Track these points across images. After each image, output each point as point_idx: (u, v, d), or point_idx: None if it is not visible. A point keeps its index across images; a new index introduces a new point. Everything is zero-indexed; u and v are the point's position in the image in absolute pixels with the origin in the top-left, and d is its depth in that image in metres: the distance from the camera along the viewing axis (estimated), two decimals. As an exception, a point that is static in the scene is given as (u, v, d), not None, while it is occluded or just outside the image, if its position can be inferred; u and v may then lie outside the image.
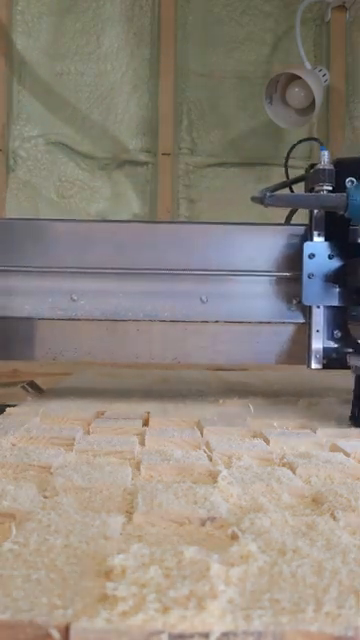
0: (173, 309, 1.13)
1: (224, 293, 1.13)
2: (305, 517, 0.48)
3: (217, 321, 1.14)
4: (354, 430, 0.89)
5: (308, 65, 2.22)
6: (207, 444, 0.77)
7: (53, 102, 2.43)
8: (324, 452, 0.75)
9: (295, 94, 2.16)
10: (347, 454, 0.73)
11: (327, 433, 0.87)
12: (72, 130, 2.43)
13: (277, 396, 1.25)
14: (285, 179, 1.22)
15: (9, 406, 1.03)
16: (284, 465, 0.68)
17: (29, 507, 0.51)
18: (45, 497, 0.55)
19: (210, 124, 2.47)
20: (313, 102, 2.13)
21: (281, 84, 2.20)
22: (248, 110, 2.44)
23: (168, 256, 1.14)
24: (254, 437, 0.82)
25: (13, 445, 0.75)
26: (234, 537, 0.45)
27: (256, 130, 2.42)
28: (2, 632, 0.31)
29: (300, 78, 2.12)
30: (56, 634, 0.31)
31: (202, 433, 0.83)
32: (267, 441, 0.79)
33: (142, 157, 2.45)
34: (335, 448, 0.77)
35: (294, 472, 0.64)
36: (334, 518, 0.49)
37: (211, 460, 0.69)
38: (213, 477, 0.61)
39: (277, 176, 2.33)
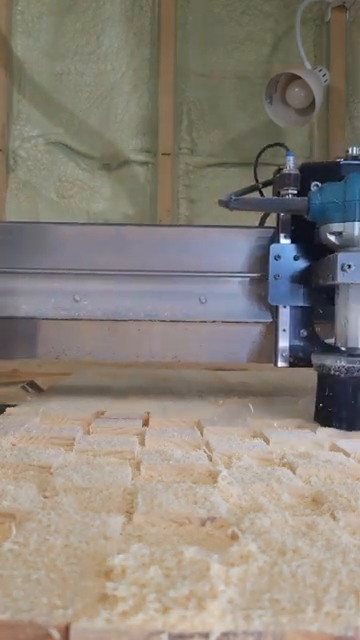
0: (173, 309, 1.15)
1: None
2: (305, 517, 0.48)
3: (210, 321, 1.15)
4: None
5: (308, 65, 2.22)
6: (207, 444, 0.77)
7: (53, 102, 2.43)
8: (324, 452, 0.75)
9: (295, 94, 2.17)
10: (347, 454, 0.73)
11: (327, 433, 0.87)
12: (72, 130, 2.43)
13: (277, 396, 1.25)
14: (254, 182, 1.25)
15: (9, 406, 1.03)
16: (284, 465, 0.68)
17: (29, 507, 0.51)
18: (45, 497, 0.55)
19: (210, 124, 2.47)
20: (313, 102, 2.13)
21: (281, 84, 2.20)
22: (248, 110, 2.44)
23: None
24: (254, 437, 0.82)
25: (13, 445, 0.75)
26: (234, 537, 0.45)
27: (256, 130, 2.42)
28: (2, 632, 0.31)
29: (300, 78, 2.12)
30: (56, 634, 0.31)
31: (202, 433, 0.83)
32: (267, 441, 0.79)
33: (142, 157, 2.45)
34: (335, 448, 0.77)
35: (294, 472, 0.64)
36: (334, 518, 0.49)
37: (211, 460, 0.69)
38: (213, 477, 0.61)
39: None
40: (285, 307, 1.10)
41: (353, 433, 0.87)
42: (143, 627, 0.31)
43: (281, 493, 0.57)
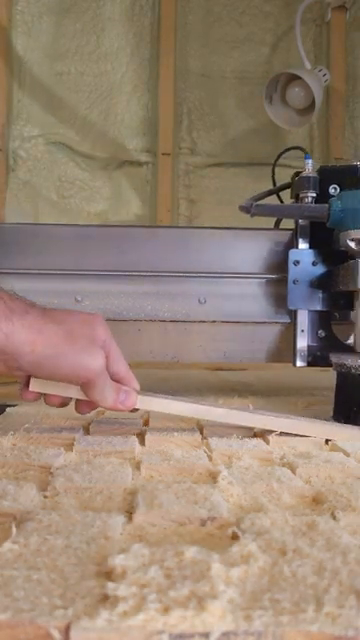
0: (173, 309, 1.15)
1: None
2: (305, 517, 0.48)
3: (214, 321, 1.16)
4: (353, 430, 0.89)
5: (308, 65, 2.22)
6: (207, 444, 0.77)
7: (53, 102, 2.43)
8: (324, 452, 0.75)
9: (295, 94, 2.17)
10: (347, 454, 0.73)
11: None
12: (72, 130, 2.43)
13: (277, 396, 1.25)
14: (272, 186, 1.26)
15: (9, 406, 1.03)
16: (284, 465, 0.68)
17: (29, 507, 0.51)
18: (45, 497, 0.55)
19: (210, 124, 2.47)
20: (313, 102, 2.13)
21: (281, 84, 2.20)
22: (248, 110, 2.45)
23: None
24: (254, 437, 0.82)
25: (13, 445, 0.75)
26: (234, 537, 0.45)
27: (256, 130, 2.42)
28: (3, 632, 0.31)
29: (300, 78, 2.12)
30: (57, 634, 0.31)
31: (202, 433, 0.83)
32: (267, 441, 0.79)
33: (142, 157, 2.45)
34: (335, 448, 0.77)
35: (294, 472, 0.64)
36: (334, 518, 0.49)
37: (211, 460, 0.69)
38: (213, 477, 0.61)
39: (277, 176, 2.32)
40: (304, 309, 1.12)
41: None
42: (143, 627, 0.31)
43: (281, 493, 0.57)
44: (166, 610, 0.32)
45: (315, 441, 0.80)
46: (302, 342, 1.11)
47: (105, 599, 0.33)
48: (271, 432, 0.80)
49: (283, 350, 1.16)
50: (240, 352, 1.17)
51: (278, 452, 0.74)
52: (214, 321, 1.16)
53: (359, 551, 0.41)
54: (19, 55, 2.41)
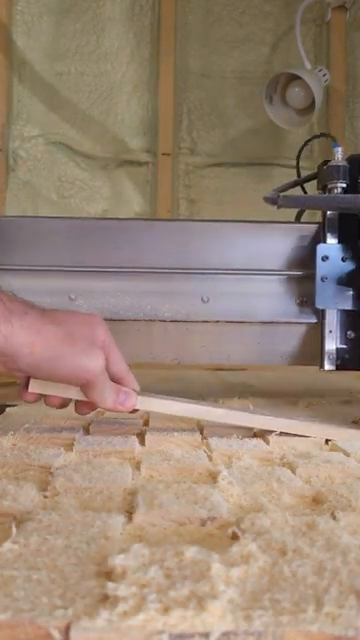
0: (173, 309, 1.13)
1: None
2: (305, 517, 0.48)
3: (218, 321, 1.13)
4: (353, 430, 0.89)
5: (308, 65, 2.22)
6: (207, 444, 0.77)
7: (53, 102, 2.43)
8: (324, 452, 0.75)
9: (295, 94, 2.17)
10: (347, 454, 0.73)
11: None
12: (72, 130, 2.43)
13: (277, 396, 1.25)
14: (295, 178, 1.20)
15: (9, 406, 1.03)
16: (284, 465, 0.68)
17: (29, 507, 0.51)
18: (45, 497, 0.55)
19: (210, 124, 2.47)
20: (313, 102, 2.13)
21: (281, 84, 2.20)
22: (248, 110, 2.44)
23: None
24: (254, 437, 0.82)
25: (13, 445, 0.74)
26: (234, 537, 0.45)
27: (256, 130, 2.42)
28: (3, 632, 0.31)
29: (300, 78, 2.12)
30: (57, 634, 0.31)
31: (202, 433, 0.83)
32: (267, 441, 0.79)
33: (142, 157, 2.45)
34: (335, 448, 0.77)
35: (294, 472, 0.64)
36: (334, 518, 0.49)
37: (211, 460, 0.69)
38: (213, 477, 0.61)
39: (278, 176, 2.33)
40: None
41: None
42: (143, 627, 0.31)
43: (281, 493, 0.57)
44: (166, 610, 0.32)
45: (315, 441, 0.80)
46: (330, 344, 1.05)
47: (105, 599, 0.33)
48: (271, 432, 0.80)
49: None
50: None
51: (278, 452, 0.74)
52: (217, 321, 1.13)
53: (359, 551, 0.41)
54: (19, 55, 2.42)
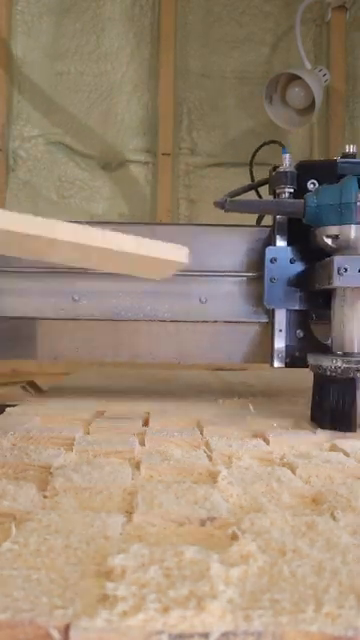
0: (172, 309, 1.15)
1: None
2: (305, 517, 0.48)
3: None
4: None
5: (308, 65, 2.22)
6: (207, 444, 0.77)
7: (53, 102, 2.43)
8: (324, 452, 0.75)
9: (295, 94, 2.17)
10: (347, 454, 0.73)
11: (327, 433, 0.87)
12: (72, 130, 2.43)
13: (277, 396, 1.25)
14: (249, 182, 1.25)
15: (9, 406, 1.03)
16: (284, 465, 0.68)
17: (29, 507, 0.51)
18: (45, 497, 0.55)
19: (210, 124, 2.47)
20: (313, 102, 2.13)
21: (281, 84, 2.20)
22: (248, 110, 2.44)
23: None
24: (254, 437, 0.82)
25: (13, 445, 0.75)
26: (234, 537, 0.45)
27: (256, 130, 2.42)
28: (2, 632, 0.31)
29: (300, 78, 2.12)
30: (56, 634, 0.31)
31: (202, 433, 0.83)
32: (267, 441, 0.79)
33: (142, 157, 2.45)
34: (335, 448, 0.77)
35: (294, 472, 0.64)
36: (334, 518, 0.49)
37: (211, 460, 0.69)
38: (213, 477, 0.61)
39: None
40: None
41: (350, 434, 0.87)
42: (143, 627, 0.31)
43: (281, 493, 0.57)
44: (166, 610, 0.32)
45: (315, 441, 0.80)
46: (280, 342, 1.09)
47: (105, 599, 0.33)
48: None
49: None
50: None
51: (278, 452, 0.74)
52: (215, 321, 1.16)
53: (359, 551, 0.41)
54: (19, 55, 2.41)
